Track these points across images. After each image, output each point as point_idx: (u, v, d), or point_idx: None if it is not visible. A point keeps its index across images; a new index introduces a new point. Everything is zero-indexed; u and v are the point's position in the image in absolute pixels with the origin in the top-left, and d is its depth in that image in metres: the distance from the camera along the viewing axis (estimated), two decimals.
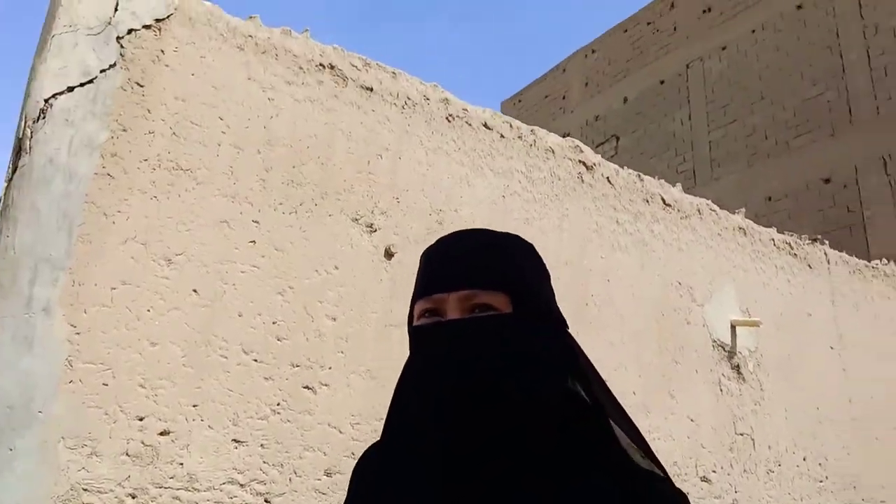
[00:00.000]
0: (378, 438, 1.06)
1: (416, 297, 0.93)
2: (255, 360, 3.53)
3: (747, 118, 11.03)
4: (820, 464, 6.32)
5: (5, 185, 3.19)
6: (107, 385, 3.11)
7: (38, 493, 2.90)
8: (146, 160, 3.42)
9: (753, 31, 11.26)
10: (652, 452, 0.89)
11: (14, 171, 3.18)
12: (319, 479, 3.66)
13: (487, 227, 0.96)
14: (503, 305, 0.86)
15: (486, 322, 0.85)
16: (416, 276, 0.97)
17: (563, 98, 15.17)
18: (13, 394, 2.90)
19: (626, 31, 13.99)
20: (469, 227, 0.85)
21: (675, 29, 12.79)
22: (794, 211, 9.91)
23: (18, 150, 3.20)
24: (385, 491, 0.90)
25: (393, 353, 4.10)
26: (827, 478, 6.31)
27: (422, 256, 0.97)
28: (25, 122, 3.19)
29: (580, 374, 0.90)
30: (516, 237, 0.95)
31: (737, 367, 5.87)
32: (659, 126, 12.55)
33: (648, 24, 13.46)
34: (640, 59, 13.44)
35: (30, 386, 2.94)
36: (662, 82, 12.72)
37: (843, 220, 9.41)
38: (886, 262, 8.53)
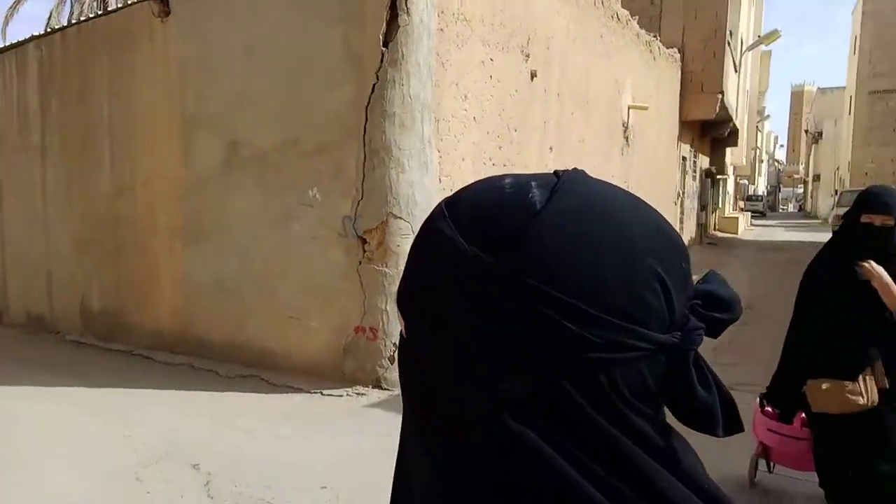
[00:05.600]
0: None
1: None
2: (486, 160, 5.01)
3: None
4: None
5: (382, 36, 3.91)
6: (449, 191, 4.44)
7: None
8: (454, 14, 4.28)
9: None
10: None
11: (391, 27, 3.91)
12: None
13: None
14: None
15: None
16: None
17: None
18: (421, 203, 4.13)
19: None
20: None
21: None
22: None
23: (393, 6, 3.89)
24: None
25: (511, 150, 5.80)
26: None
27: None
28: None
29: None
30: None
31: (626, 138, 8.70)
32: None
33: None
34: None
35: (426, 196, 4.17)
36: None
37: None
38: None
